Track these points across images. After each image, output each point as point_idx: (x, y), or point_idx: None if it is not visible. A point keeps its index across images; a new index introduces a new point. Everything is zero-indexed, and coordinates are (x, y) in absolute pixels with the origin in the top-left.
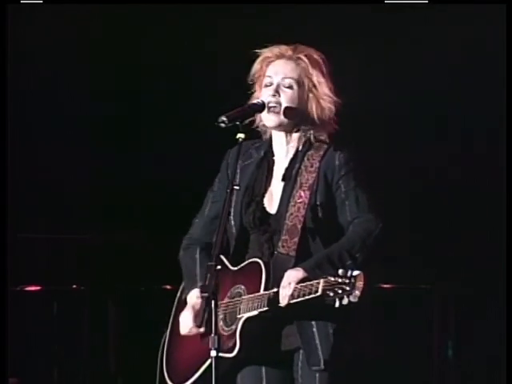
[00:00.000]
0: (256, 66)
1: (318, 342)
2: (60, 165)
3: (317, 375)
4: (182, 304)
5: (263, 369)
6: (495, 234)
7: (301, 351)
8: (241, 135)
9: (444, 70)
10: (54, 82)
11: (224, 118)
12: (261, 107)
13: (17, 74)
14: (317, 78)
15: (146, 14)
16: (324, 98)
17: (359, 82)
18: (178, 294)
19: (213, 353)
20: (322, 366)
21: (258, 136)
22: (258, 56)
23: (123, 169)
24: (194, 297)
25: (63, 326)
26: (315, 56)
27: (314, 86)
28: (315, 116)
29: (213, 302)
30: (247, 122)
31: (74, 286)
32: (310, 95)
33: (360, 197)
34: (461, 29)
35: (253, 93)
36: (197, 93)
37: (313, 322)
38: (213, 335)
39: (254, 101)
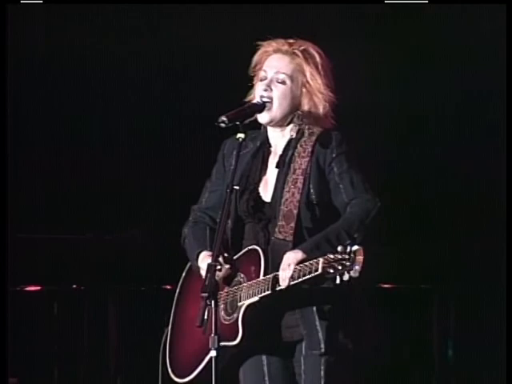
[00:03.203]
0: (255, 59)
1: (318, 326)
2: (60, 165)
3: (322, 369)
4: (183, 298)
5: (264, 359)
6: (495, 234)
7: (303, 343)
8: (241, 135)
9: (444, 69)
10: (54, 83)
11: (224, 118)
12: (261, 107)
13: (17, 74)
14: (310, 73)
15: (146, 13)
16: (317, 94)
17: (359, 81)
18: (178, 290)
19: (213, 353)
20: (323, 350)
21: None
22: (259, 48)
23: (123, 169)
24: (205, 258)
25: (63, 326)
26: (312, 51)
27: (308, 81)
28: (307, 111)
29: (213, 301)
30: (247, 121)
31: (74, 286)
32: (304, 90)
33: (354, 178)
34: (461, 29)
35: (253, 85)
36: (197, 93)
37: (314, 309)
38: (213, 335)
39: (254, 101)
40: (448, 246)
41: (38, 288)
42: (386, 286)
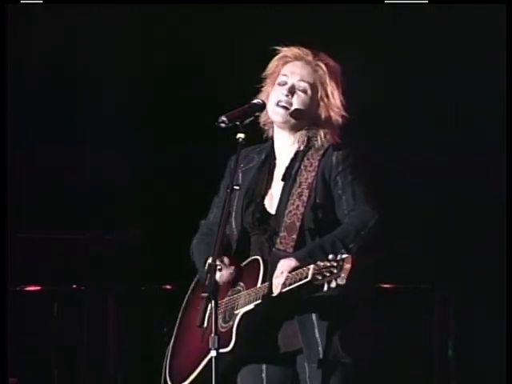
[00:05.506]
0: (272, 63)
1: (318, 338)
2: (60, 165)
3: (326, 377)
4: (190, 305)
5: (263, 367)
6: (495, 233)
7: (304, 353)
8: (241, 135)
9: (444, 69)
10: (54, 83)
11: (224, 118)
12: (261, 107)
13: (17, 74)
14: (331, 88)
15: (146, 13)
16: (334, 109)
17: (359, 82)
18: (186, 298)
19: (213, 353)
20: (323, 362)
21: (258, 137)
22: (276, 53)
23: (123, 169)
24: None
25: (63, 326)
26: (335, 67)
27: (327, 95)
28: (321, 124)
29: (213, 301)
30: (247, 121)
31: (74, 286)
32: (321, 103)
33: (357, 190)
34: (461, 29)
35: (262, 87)
36: (197, 93)
37: (314, 319)
38: (213, 335)
39: (255, 101)
40: (448, 246)
41: (38, 288)
42: (385, 285)
